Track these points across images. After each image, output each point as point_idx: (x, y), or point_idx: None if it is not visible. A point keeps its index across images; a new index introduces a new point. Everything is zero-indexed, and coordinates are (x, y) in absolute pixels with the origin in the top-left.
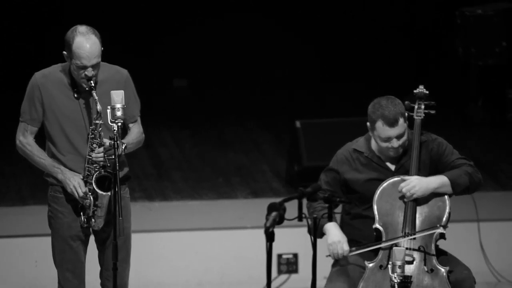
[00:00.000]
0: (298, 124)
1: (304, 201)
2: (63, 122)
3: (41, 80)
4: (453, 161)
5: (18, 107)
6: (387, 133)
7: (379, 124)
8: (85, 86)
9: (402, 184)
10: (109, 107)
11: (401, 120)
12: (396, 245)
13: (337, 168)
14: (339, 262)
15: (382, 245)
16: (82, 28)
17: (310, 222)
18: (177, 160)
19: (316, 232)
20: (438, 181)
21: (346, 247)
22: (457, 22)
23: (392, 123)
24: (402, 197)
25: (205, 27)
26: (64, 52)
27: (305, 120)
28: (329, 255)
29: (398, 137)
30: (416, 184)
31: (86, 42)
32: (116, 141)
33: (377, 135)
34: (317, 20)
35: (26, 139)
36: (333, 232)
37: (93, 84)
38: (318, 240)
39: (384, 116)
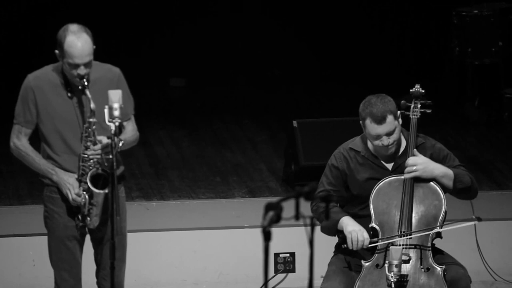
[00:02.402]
0: (295, 123)
1: (302, 202)
2: (58, 122)
3: (34, 81)
4: (455, 166)
5: (14, 107)
6: (375, 131)
7: (368, 122)
8: (78, 84)
9: (411, 158)
10: (106, 106)
11: (389, 118)
12: (392, 244)
13: (337, 164)
14: (337, 261)
15: (402, 238)
16: (73, 27)
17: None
18: (174, 159)
19: (313, 232)
20: (443, 170)
21: (366, 235)
22: (453, 22)
23: (380, 120)
24: (399, 194)
25: (203, 26)
26: (56, 51)
27: (302, 119)
28: (346, 246)
29: (388, 134)
30: (423, 162)
31: (77, 40)
32: (114, 140)
33: (368, 132)
34: (316, 20)
35: (20, 141)
36: (352, 223)
37: (86, 83)
38: (316, 240)
39: (372, 113)
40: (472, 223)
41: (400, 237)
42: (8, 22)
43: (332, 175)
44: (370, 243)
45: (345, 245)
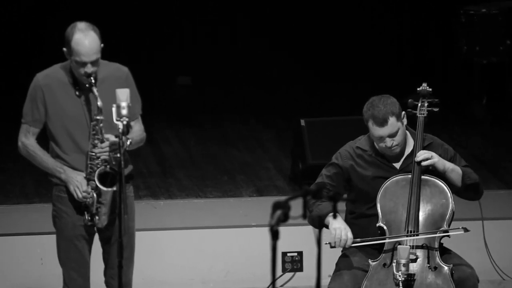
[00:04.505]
0: (303, 122)
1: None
2: (67, 121)
3: (43, 80)
4: (462, 166)
5: (20, 105)
6: (378, 133)
7: (370, 124)
8: (85, 83)
9: (423, 150)
10: (114, 105)
11: (391, 120)
12: (400, 243)
13: (341, 163)
14: (342, 260)
15: (387, 240)
16: (81, 25)
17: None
18: (181, 158)
19: (321, 231)
20: (453, 164)
21: (350, 234)
22: (461, 20)
23: (381, 122)
24: (406, 193)
25: (208, 26)
26: (64, 49)
27: (310, 118)
28: (329, 243)
29: (390, 136)
30: (436, 155)
31: (85, 38)
32: (121, 139)
33: (372, 134)
34: (321, 19)
35: (28, 140)
36: (338, 220)
37: (93, 81)
38: (324, 239)
39: (374, 116)
40: (459, 232)
41: (409, 237)
42: (8, 22)
43: (333, 171)
44: (354, 242)
45: (327, 243)
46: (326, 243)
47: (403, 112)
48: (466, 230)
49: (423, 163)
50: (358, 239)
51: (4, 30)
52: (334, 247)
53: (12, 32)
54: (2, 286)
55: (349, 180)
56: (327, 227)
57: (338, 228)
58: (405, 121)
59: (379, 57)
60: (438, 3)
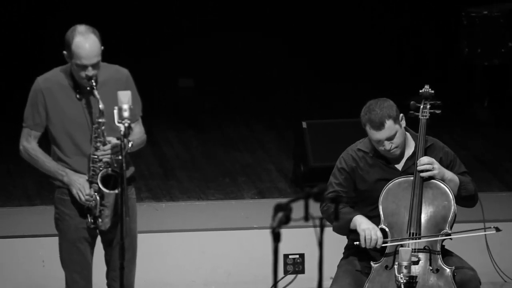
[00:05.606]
0: (304, 124)
1: (312, 203)
2: (68, 124)
3: (44, 84)
4: (461, 173)
5: (20, 105)
6: (376, 136)
7: (368, 128)
8: (86, 86)
9: (425, 157)
10: (116, 107)
11: (388, 123)
12: (402, 245)
13: (346, 167)
14: (345, 264)
15: (416, 240)
16: (81, 28)
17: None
18: (183, 160)
19: (322, 233)
20: (452, 174)
21: (380, 234)
22: (463, 22)
23: (378, 126)
24: (408, 195)
25: (210, 27)
26: (64, 52)
27: (312, 120)
28: (358, 243)
29: (388, 139)
30: (438, 162)
31: (85, 41)
32: (123, 141)
33: (370, 138)
34: (321, 19)
35: (29, 144)
36: (365, 221)
37: (94, 84)
38: (325, 241)
39: (371, 120)
40: (490, 232)
41: (413, 239)
42: (8, 22)
43: (341, 177)
44: (383, 242)
45: (357, 243)
46: (355, 243)
47: (401, 114)
48: (498, 229)
49: (422, 174)
50: (388, 239)
51: (4, 30)
52: (365, 247)
53: (12, 32)
54: None
55: (355, 182)
56: (353, 231)
57: (367, 229)
58: (403, 123)
59: (379, 57)
60: (438, 4)
